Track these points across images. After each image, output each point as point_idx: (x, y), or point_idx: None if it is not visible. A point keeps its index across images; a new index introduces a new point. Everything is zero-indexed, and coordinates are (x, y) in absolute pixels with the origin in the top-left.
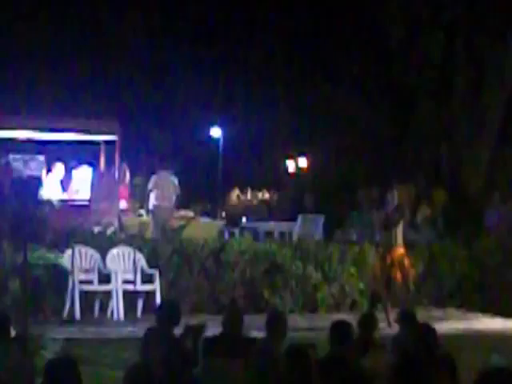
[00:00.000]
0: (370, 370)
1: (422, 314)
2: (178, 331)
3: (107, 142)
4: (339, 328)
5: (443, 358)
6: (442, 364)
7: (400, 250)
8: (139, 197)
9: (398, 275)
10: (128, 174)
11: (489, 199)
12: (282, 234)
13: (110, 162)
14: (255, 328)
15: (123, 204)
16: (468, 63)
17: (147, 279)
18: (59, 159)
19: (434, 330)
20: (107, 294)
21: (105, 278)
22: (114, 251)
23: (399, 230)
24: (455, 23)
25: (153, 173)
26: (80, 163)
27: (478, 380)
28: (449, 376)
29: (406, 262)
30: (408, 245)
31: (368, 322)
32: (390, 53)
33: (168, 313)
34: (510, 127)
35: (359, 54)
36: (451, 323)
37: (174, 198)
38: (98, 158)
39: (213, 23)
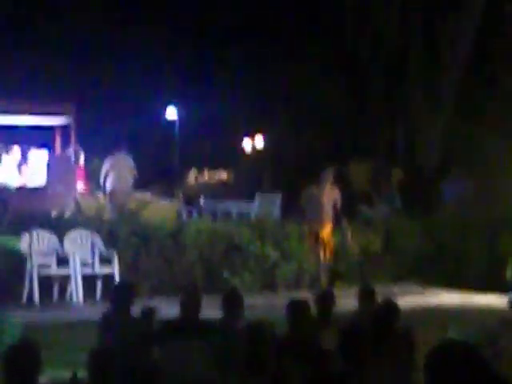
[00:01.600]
0: (327, 346)
1: (380, 290)
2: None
3: (62, 126)
4: (296, 306)
5: (401, 332)
6: (400, 339)
7: (327, 228)
8: (96, 179)
9: (325, 253)
10: (83, 157)
11: (446, 175)
12: (240, 213)
13: (65, 145)
14: (215, 308)
15: (80, 186)
16: (421, 39)
17: (105, 262)
18: (15, 142)
19: (395, 306)
20: (66, 278)
21: (63, 262)
22: (72, 234)
23: (327, 208)
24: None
25: (109, 155)
26: (35, 146)
27: (431, 352)
28: (407, 350)
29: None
30: (365, 221)
31: (325, 299)
32: (344, 29)
33: (122, 295)
34: (464, 102)
35: (314, 29)
36: (409, 298)
37: (130, 179)
38: (53, 141)
39: (168, 2)
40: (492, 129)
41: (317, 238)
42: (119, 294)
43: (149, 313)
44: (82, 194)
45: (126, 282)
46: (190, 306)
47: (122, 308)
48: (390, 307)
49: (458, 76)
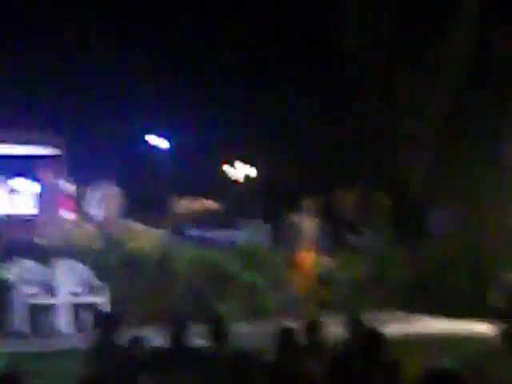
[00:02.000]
0: (315, 375)
1: (367, 318)
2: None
3: (52, 155)
4: (283, 335)
5: (388, 361)
6: (387, 367)
7: (308, 257)
8: (85, 209)
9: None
10: (73, 186)
11: (434, 203)
12: (227, 241)
13: (55, 175)
14: (203, 337)
15: (70, 216)
16: (408, 65)
17: (94, 291)
18: (3, 173)
19: (380, 335)
20: (54, 307)
21: (52, 291)
22: (60, 264)
23: (307, 237)
24: (392, 31)
25: (96, 184)
26: (25, 176)
27: (421, 381)
28: (394, 380)
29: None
30: (352, 249)
31: (313, 327)
32: (330, 57)
33: (110, 324)
34: (451, 132)
35: (301, 57)
36: (397, 326)
37: (119, 209)
38: (43, 171)
39: (150, 25)
40: (479, 156)
41: (297, 266)
42: (107, 323)
43: (136, 342)
44: (70, 224)
45: (113, 311)
46: (178, 335)
47: (109, 337)
48: (376, 336)
49: (445, 103)
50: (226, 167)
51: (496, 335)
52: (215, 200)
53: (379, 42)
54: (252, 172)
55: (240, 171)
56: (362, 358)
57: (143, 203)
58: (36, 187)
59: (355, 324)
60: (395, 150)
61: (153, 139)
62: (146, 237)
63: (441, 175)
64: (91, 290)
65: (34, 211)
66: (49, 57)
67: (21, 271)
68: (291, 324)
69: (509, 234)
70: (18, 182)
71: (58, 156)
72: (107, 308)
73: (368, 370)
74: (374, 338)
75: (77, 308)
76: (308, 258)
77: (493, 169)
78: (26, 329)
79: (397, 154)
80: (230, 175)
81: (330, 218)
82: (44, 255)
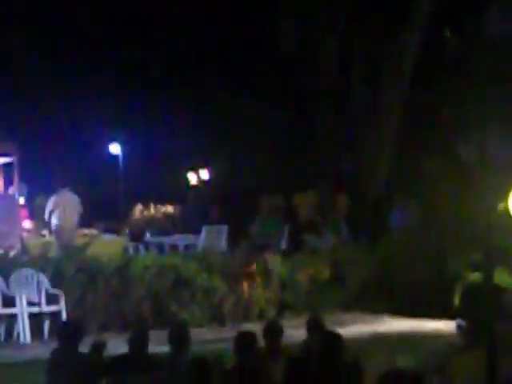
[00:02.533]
0: (275, 378)
1: (328, 319)
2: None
3: (5, 164)
4: (242, 339)
5: (349, 362)
6: (348, 368)
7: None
8: (41, 217)
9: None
10: (25, 194)
11: (392, 201)
12: (186, 246)
13: (8, 184)
14: (163, 343)
15: (27, 224)
16: (364, 67)
17: (52, 300)
18: None
19: (339, 337)
20: (12, 318)
21: (9, 302)
22: (17, 273)
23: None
24: (350, 30)
25: (53, 192)
26: None
27: (380, 380)
28: (355, 380)
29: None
30: (312, 250)
31: (272, 330)
32: (288, 63)
33: (71, 332)
34: (407, 130)
35: (260, 64)
36: (358, 327)
37: (76, 216)
38: None
39: (108, 38)
40: (435, 154)
41: (256, 269)
42: (67, 332)
43: (99, 346)
44: (26, 233)
45: (73, 319)
46: (138, 341)
47: (70, 345)
48: (335, 338)
49: (401, 103)
50: (184, 173)
51: (456, 333)
52: (174, 205)
53: (333, 47)
54: (211, 177)
55: (199, 176)
56: (321, 359)
57: (101, 210)
58: None
59: (315, 326)
60: (354, 151)
61: (110, 146)
62: (104, 243)
63: (399, 173)
64: (50, 298)
65: None
66: (11, 66)
67: None
68: (251, 327)
69: (469, 231)
70: None
71: (11, 164)
72: (66, 316)
73: (328, 372)
74: (333, 340)
75: (36, 317)
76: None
77: (451, 165)
78: None
79: (355, 155)
80: (188, 181)
81: (290, 219)
82: (1, 265)
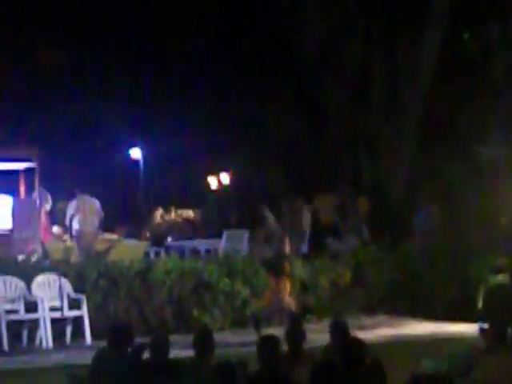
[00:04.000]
0: (299, 382)
1: (351, 323)
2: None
3: (26, 169)
4: (266, 343)
5: (372, 365)
6: (371, 372)
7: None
8: (62, 222)
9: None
10: (50, 201)
11: (413, 204)
12: (207, 251)
13: (30, 189)
14: (185, 347)
15: (55, 229)
16: (383, 68)
17: (74, 305)
18: None
19: (361, 342)
20: (34, 323)
21: (31, 307)
22: (39, 278)
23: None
24: (368, 29)
25: (74, 197)
26: (0, 191)
27: None
28: (377, 381)
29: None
30: (333, 254)
31: (295, 334)
32: (306, 65)
33: (122, 334)
34: (427, 133)
35: (277, 68)
36: (381, 330)
37: (96, 221)
38: (17, 186)
39: (128, 45)
40: (456, 156)
41: (278, 272)
42: (118, 334)
43: (139, 349)
44: (48, 237)
45: (124, 321)
46: (159, 347)
47: (119, 347)
48: (359, 342)
49: (420, 106)
50: (205, 177)
51: (479, 336)
52: (194, 210)
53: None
54: (231, 181)
55: (219, 180)
56: (344, 364)
57: (122, 215)
58: (12, 202)
59: (339, 329)
60: (373, 154)
61: (131, 151)
62: (125, 248)
63: (421, 175)
64: (72, 303)
65: (12, 227)
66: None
67: (0, 288)
68: (274, 331)
69: (490, 234)
70: None
71: (33, 169)
72: (89, 321)
73: (352, 376)
74: (357, 344)
75: (58, 322)
76: (289, 264)
77: (471, 168)
78: (8, 345)
79: (375, 156)
80: (209, 185)
81: (311, 223)
82: (23, 270)
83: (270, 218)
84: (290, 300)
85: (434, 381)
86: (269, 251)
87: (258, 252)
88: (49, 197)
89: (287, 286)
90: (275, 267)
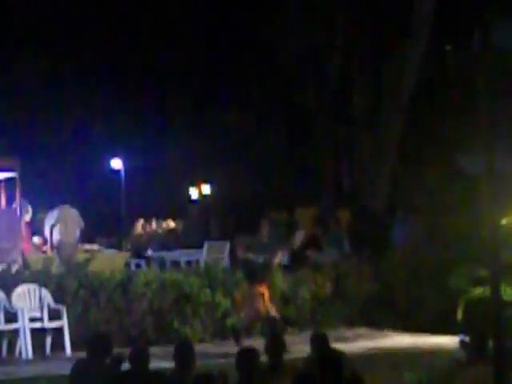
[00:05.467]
0: None
1: (331, 335)
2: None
3: (7, 180)
4: (245, 355)
5: (351, 378)
6: (349, 383)
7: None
8: (42, 232)
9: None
10: (30, 211)
11: (394, 216)
12: (188, 262)
13: (10, 200)
14: (166, 359)
15: (36, 240)
16: (364, 84)
17: (54, 315)
18: None
19: (341, 354)
20: (14, 333)
21: (11, 317)
22: (19, 289)
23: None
24: (349, 48)
25: (54, 208)
26: None
27: None
28: None
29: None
30: (314, 266)
31: (275, 346)
32: (288, 77)
33: (101, 344)
34: (408, 145)
35: (258, 80)
36: (361, 342)
37: (77, 232)
38: None
39: (108, 53)
40: (436, 168)
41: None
42: (97, 344)
43: (118, 360)
44: (28, 248)
45: (104, 332)
46: (138, 358)
47: (98, 358)
48: (339, 354)
49: (401, 118)
50: (186, 188)
51: (460, 348)
52: (175, 220)
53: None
54: (212, 192)
55: (200, 191)
56: (324, 377)
57: (102, 225)
58: None
59: (319, 341)
60: (354, 166)
61: (112, 161)
62: (105, 259)
63: (401, 187)
64: (52, 314)
65: None
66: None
67: None
68: (254, 343)
69: (471, 245)
70: None
71: (13, 179)
72: (69, 332)
73: None
74: (337, 356)
75: (38, 333)
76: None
77: (451, 180)
78: None
79: (355, 168)
80: (190, 196)
81: (291, 234)
82: (2, 281)
83: (265, 230)
84: (272, 308)
85: None
86: (254, 258)
87: (240, 253)
88: (29, 207)
89: (264, 292)
90: (254, 274)
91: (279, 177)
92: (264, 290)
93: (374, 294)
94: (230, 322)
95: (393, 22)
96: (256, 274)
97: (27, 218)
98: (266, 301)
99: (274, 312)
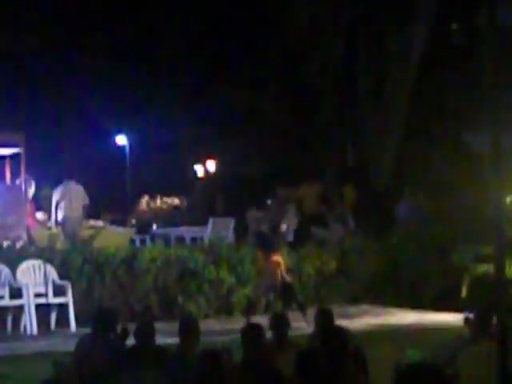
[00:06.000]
0: (283, 370)
1: (335, 311)
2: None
3: (12, 155)
4: (250, 331)
5: (353, 353)
6: (353, 359)
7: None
8: (47, 208)
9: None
10: (33, 187)
11: (398, 193)
12: (193, 238)
13: (15, 175)
14: (170, 335)
15: (40, 216)
16: (370, 58)
17: (59, 291)
18: None
19: (345, 330)
20: (19, 309)
21: (16, 293)
22: (24, 265)
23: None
24: (355, 22)
25: (59, 183)
26: None
27: (397, 377)
28: (359, 370)
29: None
30: (319, 242)
31: (279, 322)
32: (293, 53)
33: (107, 319)
34: (414, 121)
35: (263, 55)
36: (366, 319)
37: (81, 208)
38: (3, 172)
39: (112, 29)
40: (442, 144)
41: (263, 260)
42: (102, 318)
43: (123, 334)
44: (33, 224)
45: (109, 307)
46: (144, 333)
47: (103, 332)
48: (342, 330)
49: (406, 94)
50: (191, 165)
51: (464, 326)
52: (180, 197)
53: (339, 36)
54: (217, 169)
55: (205, 168)
56: (328, 353)
57: (108, 202)
58: None
59: (324, 317)
60: (359, 142)
61: (117, 138)
62: (110, 235)
63: (406, 163)
64: (57, 290)
65: None
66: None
67: None
68: (258, 319)
69: (476, 222)
70: None
71: (18, 155)
72: (74, 308)
73: (335, 365)
74: (341, 332)
75: (43, 309)
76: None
77: (457, 156)
78: None
79: (361, 144)
80: (195, 173)
81: (296, 211)
82: (8, 257)
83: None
84: (287, 275)
85: (423, 369)
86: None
87: (254, 226)
88: (33, 183)
89: (281, 261)
90: (270, 244)
91: (284, 154)
92: (279, 258)
93: (379, 271)
94: (234, 298)
95: None
96: (271, 243)
97: (30, 193)
98: (282, 269)
99: (289, 278)
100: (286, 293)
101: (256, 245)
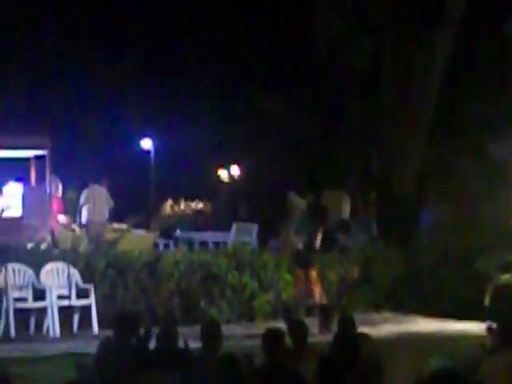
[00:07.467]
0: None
1: (358, 319)
2: None
3: (37, 157)
4: (270, 336)
5: (368, 360)
6: (367, 367)
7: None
8: (72, 211)
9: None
10: (60, 188)
11: (422, 201)
12: (216, 243)
13: (40, 177)
14: (193, 339)
15: (61, 218)
16: (395, 66)
17: (82, 294)
18: None
19: (368, 337)
20: (42, 311)
21: (39, 295)
22: (48, 267)
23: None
24: (381, 28)
25: (85, 186)
26: (10, 179)
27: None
28: (375, 378)
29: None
30: (341, 249)
31: (298, 329)
32: (318, 60)
33: (129, 322)
34: (439, 128)
35: (288, 61)
36: (387, 326)
37: (106, 211)
38: (28, 174)
39: (141, 35)
40: (466, 153)
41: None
42: (125, 322)
43: (146, 337)
44: (57, 226)
45: (132, 311)
46: (167, 337)
47: (125, 335)
48: (365, 337)
49: (432, 101)
50: (215, 169)
51: (487, 335)
52: (204, 202)
53: (365, 41)
54: (241, 174)
55: (229, 173)
56: (350, 360)
57: (132, 205)
58: (22, 190)
59: (346, 325)
60: (384, 149)
61: (142, 142)
62: (134, 239)
63: (430, 172)
64: (80, 292)
65: (21, 214)
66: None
67: (8, 275)
68: (280, 325)
69: (499, 231)
70: (6, 185)
71: (44, 157)
72: (96, 311)
73: (356, 372)
74: (363, 339)
75: (65, 311)
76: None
77: (482, 165)
78: (15, 333)
79: (385, 153)
80: (219, 177)
81: (319, 217)
82: (32, 258)
83: (299, 201)
84: (321, 292)
85: (450, 375)
86: (298, 242)
87: (288, 243)
88: (59, 184)
89: (315, 278)
90: (304, 259)
91: (308, 161)
92: (316, 274)
93: (401, 279)
94: (256, 303)
95: (426, 6)
96: (308, 259)
97: (58, 193)
98: (317, 284)
99: (325, 300)
100: (326, 318)
101: (294, 263)
